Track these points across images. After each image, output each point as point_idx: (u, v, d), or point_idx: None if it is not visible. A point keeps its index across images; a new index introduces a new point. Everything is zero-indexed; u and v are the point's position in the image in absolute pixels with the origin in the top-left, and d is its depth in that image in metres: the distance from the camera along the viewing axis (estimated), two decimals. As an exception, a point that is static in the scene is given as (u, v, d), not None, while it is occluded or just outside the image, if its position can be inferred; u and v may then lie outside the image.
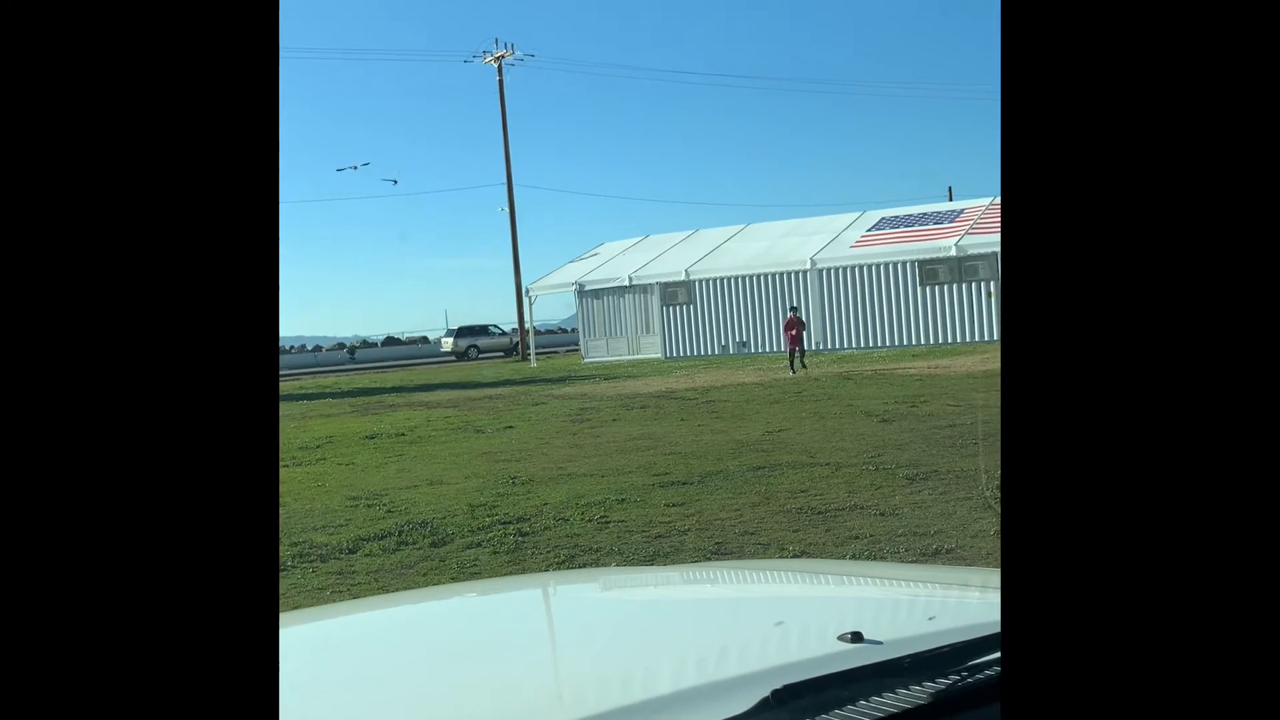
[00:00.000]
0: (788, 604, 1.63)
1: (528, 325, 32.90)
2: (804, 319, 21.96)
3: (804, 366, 19.88)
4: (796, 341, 20.48)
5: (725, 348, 26.77)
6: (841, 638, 1.09)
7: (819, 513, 6.37)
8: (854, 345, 25.18)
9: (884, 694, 0.88)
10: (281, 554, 6.12)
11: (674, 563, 5.21)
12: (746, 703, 0.89)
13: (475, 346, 42.51)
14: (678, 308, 27.47)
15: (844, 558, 5.14)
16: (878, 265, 25.42)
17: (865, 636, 1.10)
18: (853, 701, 0.87)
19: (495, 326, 44.64)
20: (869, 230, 27.09)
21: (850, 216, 28.26)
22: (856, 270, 25.52)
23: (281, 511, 7.65)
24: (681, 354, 27.28)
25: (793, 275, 25.96)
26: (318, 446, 11.86)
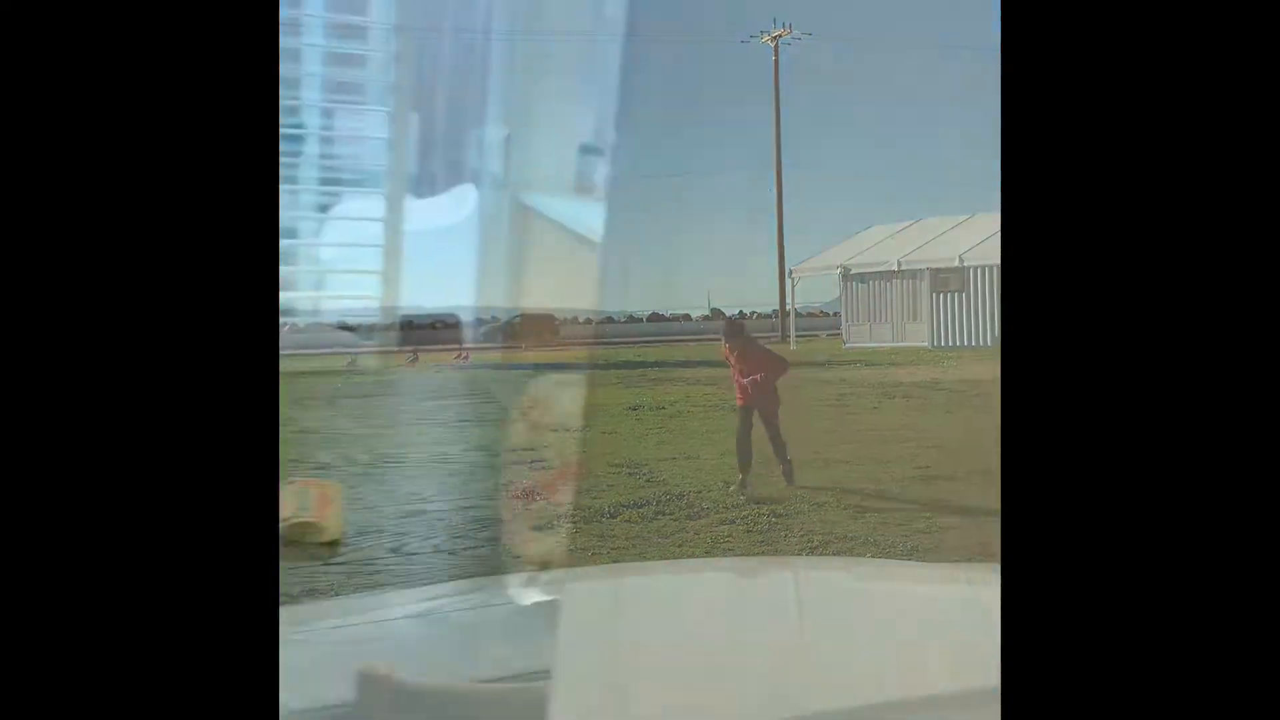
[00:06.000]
0: None
1: (789, 308, 32.76)
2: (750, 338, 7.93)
3: (786, 469, 7.22)
4: (749, 394, 7.53)
5: (999, 339, 25.25)
6: None
7: (1099, 522, 5.88)
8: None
9: None
10: (547, 513, 6.52)
11: (933, 560, 5.01)
12: None
13: None
14: (948, 295, 26.22)
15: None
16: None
17: None
18: None
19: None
20: (1175, 217, 24.38)
21: (1153, 201, 25.66)
22: (1157, 261, 23.20)
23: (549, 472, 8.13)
24: (950, 344, 26.02)
25: (1081, 264, 23.96)
26: (585, 415, 12.48)
